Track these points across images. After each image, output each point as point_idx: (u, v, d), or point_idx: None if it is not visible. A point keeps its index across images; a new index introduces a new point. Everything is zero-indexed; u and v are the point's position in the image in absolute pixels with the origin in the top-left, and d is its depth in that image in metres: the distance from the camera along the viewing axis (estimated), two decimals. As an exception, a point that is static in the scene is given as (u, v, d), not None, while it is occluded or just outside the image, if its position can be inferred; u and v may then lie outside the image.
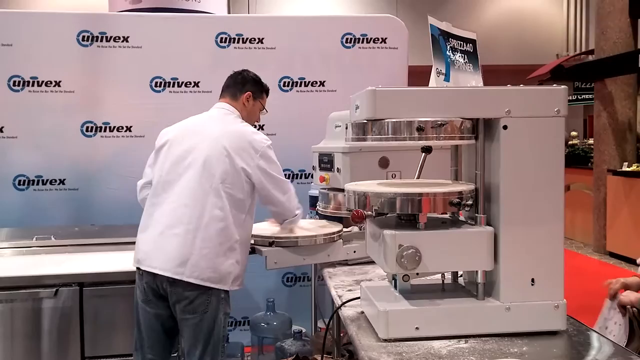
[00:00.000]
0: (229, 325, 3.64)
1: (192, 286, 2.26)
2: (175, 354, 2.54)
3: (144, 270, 2.33)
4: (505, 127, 1.58)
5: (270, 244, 2.41)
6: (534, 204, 1.60)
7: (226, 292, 2.34)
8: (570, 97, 9.97)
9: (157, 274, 2.28)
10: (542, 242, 1.61)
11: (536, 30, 10.91)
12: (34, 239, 2.97)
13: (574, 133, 9.57)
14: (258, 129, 3.60)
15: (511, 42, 10.64)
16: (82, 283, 2.54)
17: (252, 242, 2.46)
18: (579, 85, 10.15)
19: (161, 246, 2.30)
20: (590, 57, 8.81)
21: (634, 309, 1.90)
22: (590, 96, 9.58)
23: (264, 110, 2.69)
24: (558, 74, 8.57)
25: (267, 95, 2.67)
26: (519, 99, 1.59)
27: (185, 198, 2.32)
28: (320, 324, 3.42)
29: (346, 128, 1.69)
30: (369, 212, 1.60)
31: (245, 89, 2.56)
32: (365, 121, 1.60)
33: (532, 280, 1.60)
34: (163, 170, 2.40)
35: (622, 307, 2.04)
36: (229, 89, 2.58)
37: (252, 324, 3.41)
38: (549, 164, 1.61)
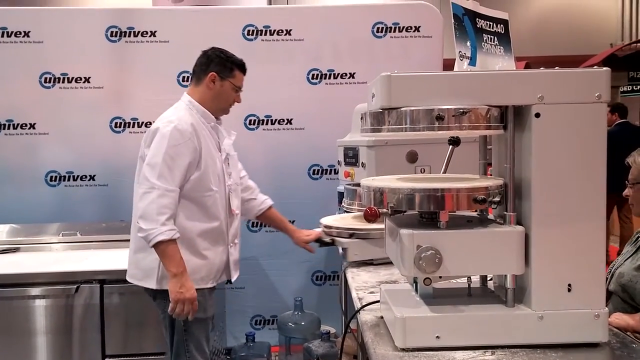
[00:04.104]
0: (257, 324, 3.61)
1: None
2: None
3: None
4: (537, 115, 1.42)
5: (351, 236, 2.31)
6: (570, 201, 1.43)
7: None
8: (625, 88, 9.44)
9: None
10: (580, 244, 1.44)
11: (589, 19, 10.36)
12: (60, 235, 2.96)
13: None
14: (286, 123, 3.56)
15: (562, 33, 10.13)
16: (103, 280, 2.51)
17: (335, 233, 2.34)
18: (635, 75, 9.58)
19: None
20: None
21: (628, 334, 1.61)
22: (647, 87, 9.05)
23: (239, 89, 2.33)
24: (611, 64, 8.11)
25: (242, 72, 2.33)
26: (553, 83, 1.42)
27: None
28: (352, 325, 3.29)
29: (361, 119, 1.56)
30: (385, 210, 1.47)
31: (209, 69, 2.28)
32: (381, 110, 1.46)
33: (569, 286, 1.44)
34: None
35: None
36: (194, 74, 2.35)
37: (280, 324, 3.33)
38: (589, 156, 1.44)
